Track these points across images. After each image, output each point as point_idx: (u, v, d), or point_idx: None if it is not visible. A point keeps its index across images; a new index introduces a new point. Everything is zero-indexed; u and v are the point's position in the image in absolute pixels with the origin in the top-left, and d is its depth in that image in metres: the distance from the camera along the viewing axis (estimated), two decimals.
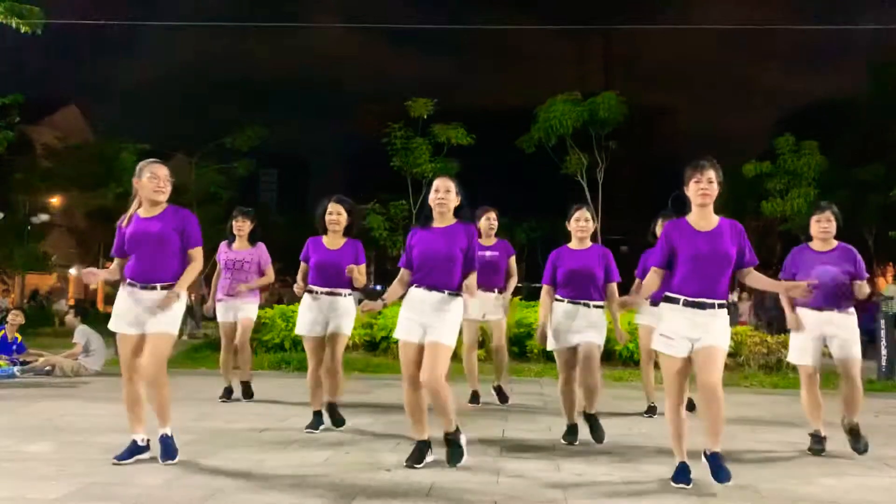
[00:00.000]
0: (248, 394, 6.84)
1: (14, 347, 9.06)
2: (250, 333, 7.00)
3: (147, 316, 4.24)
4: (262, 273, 6.90)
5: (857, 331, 4.93)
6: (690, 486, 3.88)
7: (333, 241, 5.42)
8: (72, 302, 28.36)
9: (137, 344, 4.26)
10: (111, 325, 4.34)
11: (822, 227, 4.97)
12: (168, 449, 4.25)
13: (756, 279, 4.17)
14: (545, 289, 5.24)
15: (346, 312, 5.40)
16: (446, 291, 4.23)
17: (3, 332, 9.12)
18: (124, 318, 4.30)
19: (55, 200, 28.99)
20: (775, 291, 4.37)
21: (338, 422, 5.46)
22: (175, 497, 3.57)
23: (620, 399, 7.22)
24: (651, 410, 6.40)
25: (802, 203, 19.64)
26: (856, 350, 4.88)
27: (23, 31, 11.83)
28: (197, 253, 4.38)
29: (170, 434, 4.29)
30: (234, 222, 6.85)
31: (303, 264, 5.50)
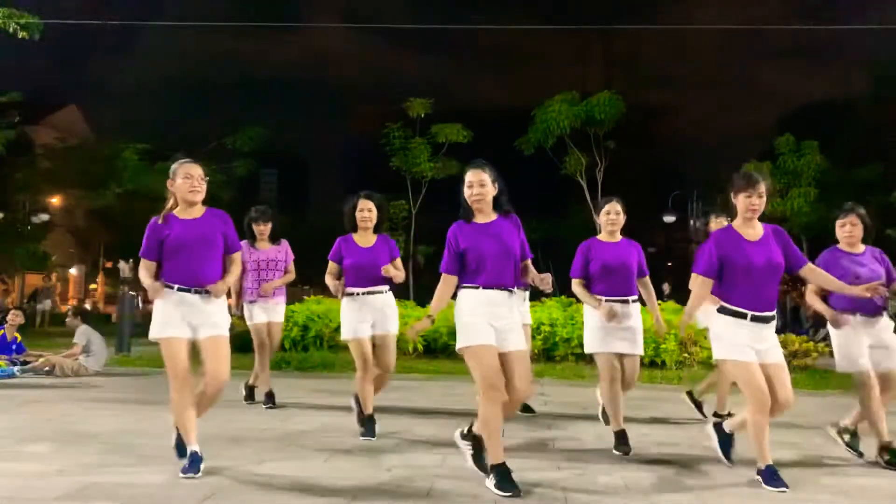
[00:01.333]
0: (272, 399, 6.69)
1: (14, 347, 9.06)
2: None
3: (201, 320, 4.08)
4: (286, 271, 6.80)
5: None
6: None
7: (364, 238, 5.31)
8: (73, 302, 28.35)
9: (189, 349, 4.10)
10: (158, 334, 4.06)
11: (847, 232, 4.81)
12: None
13: (819, 276, 4.21)
14: (577, 282, 5.06)
15: (390, 307, 5.31)
16: (516, 289, 3.94)
17: (2, 332, 9.12)
18: (175, 325, 4.05)
19: (55, 200, 28.99)
20: (842, 292, 4.30)
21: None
22: (175, 497, 3.57)
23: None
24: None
25: (802, 203, 19.66)
26: (894, 359, 4.65)
27: (20, 35, 11.87)
28: (238, 256, 4.35)
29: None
30: (253, 225, 6.71)
31: (332, 264, 5.32)
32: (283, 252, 6.76)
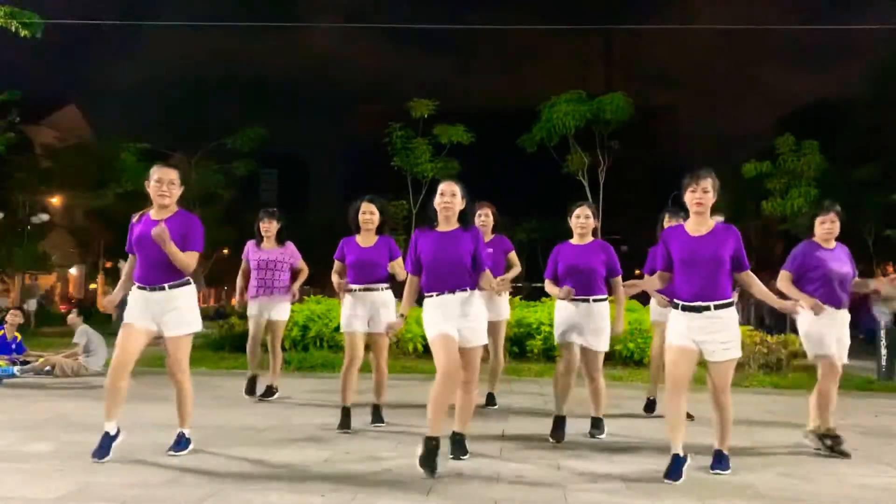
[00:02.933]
0: (269, 393, 6.93)
1: (14, 347, 9.05)
2: (282, 334, 7.25)
3: (165, 317, 4.38)
4: (293, 271, 7.07)
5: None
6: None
7: (366, 239, 5.54)
8: (65, 306, 28.34)
9: (140, 338, 4.38)
10: (124, 321, 4.42)
11: (827, 229, 5.05)
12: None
13: (750, 283, 4.33)
14: (548, 282, 5.43)
15: (385, 306, 5.48)
16: (467, 289, 4.33)
17: (2, 331, 9.11)
18: (133, 315, 4.40)
19: (55, 200, 29.01)
20: (766, 301, 4.44)
21: (378, 420, 5.58)
22: (176, 496, 3.57)
23: (619, 399, 7.21)
24: (651, 406, 6.49)
25: (802, 203, 19.65)
26: (845, 353, 5.02)
27: (22, 34, 11.88)
28: (191, 256, 4.41)
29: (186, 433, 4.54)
30: (260, 224, 6.96)
31: (337, 262, 5.64)
32: (288, 254, 6.98)
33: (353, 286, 5.48)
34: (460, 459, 4.34)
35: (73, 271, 37.71)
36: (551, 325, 10.32)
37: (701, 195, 4.20)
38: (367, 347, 5.57)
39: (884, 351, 10.12)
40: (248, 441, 4.94)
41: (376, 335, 5.47)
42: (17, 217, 27.62)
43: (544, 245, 19.93)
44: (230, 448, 4.68)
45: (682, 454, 4.10)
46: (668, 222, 6.17)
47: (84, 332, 9.01)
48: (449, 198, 4.40)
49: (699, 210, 4.23)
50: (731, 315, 4.16)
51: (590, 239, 5.34)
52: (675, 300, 4.27)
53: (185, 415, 4.52)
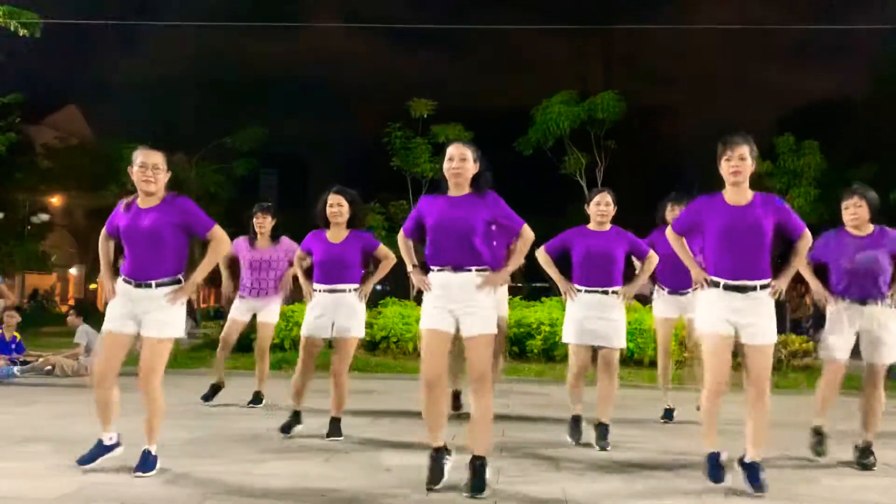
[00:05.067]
0: (258, 400, 6.63)
1: (13, 347, 9.05)
2: (271, 337, 6.82)
3: (142, 316, 3.99)
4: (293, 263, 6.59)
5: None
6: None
7: (336, 234, 5.10)
8: (71, 302, 28.34)
9: (123, 347, 4.04)
10: (104, 328, 4.07)
11: (852, 214, 4.62)
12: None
13: (804, 249, 4.00)
14: (542, 251, 5.06)
15: (351, 311, 5.05)
16: (473, 269, 3.79)
17: (1, 331, 9.11)
18: (113, 319, 4.03)
19: (55, 200, 28.99)
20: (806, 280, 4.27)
21: (336, 434, 5.09)
22: (175, 498, 3.57)
23: (624, 399, 7.20)
24: (668, 414, 6.07)
25: (803, 203, 19.64)
26: (887, 354, 4.55)
27: (21, 33, 11.87)
28: (213, 234, 4.07)
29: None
30: (254, 219, 6.57)
31: (300, 253, 5.32)
32: (282, 251, 6.56)
33: (318, 286, 5.06)
34: (476, 498, 3.60)
35: (73, 271, 37.68)
36: (551, 325, 10.41)
37: (738, 163, 3.82)
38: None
39: None
40: (246, 443, 4.93)
41: (340, 341, 5.04)
42: (17, 217, 27.63)
43: (542, 244, 19.85)
44: (229, 450, 4.67)
45: (717, 451, 3.91)
46: (670, 212, 5.94)
47: (85, 333, 9.01)
48: (458, 162, 3.84)
49: (737, 180, 3.85)
50: (769, 295, 3.86)
51: (609, 226, 5.08)
52: (714, 278, 3.89)
53: (153, 430, 4.00)
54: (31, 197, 27.90)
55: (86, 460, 4.00)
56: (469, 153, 3.88)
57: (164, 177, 4.10)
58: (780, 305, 4.70)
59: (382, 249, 5.17)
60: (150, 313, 3.98)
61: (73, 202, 29.25)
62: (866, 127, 25.65)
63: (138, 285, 3.99)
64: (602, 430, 4.94)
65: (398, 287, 19.55)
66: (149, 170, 4.04)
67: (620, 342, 4.99)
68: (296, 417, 5.18)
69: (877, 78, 25.74)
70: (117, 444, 4.10)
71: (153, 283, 3.98)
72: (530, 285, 20.76)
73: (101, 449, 4.05)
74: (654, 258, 5.18)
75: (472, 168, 3.87)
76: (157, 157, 4.09)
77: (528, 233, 3.93)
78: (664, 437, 5.46)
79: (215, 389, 6.62)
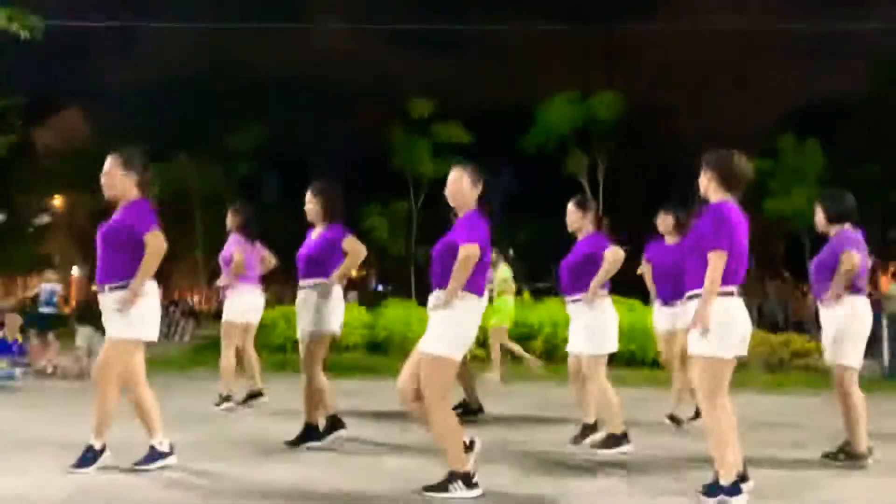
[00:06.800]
0: (254, 397, 6.65)
1: (15, 349, 9.06)
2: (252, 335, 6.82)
3: (106, 318, 4.02)
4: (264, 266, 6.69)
5: None
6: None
7: (314, 231, 4.97)
8: (73, 304, 28.33)
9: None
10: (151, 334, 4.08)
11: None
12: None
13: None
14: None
15: (303, 308, 4.77)
16: (437, 289, 3.77)
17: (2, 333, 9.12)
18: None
19: (57, 202, 29.04)
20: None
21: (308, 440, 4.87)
22: (175, 499, 3.58)
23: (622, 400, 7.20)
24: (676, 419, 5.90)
25: (804, 202, 19.64)
26: None
27: (23, 36, 11.90)
28: (147, 239, 3.93)
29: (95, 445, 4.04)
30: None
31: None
32: (233, 245, 6.39)
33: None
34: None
35: (74, 272, 37.73)
36: (552, 326, 10.38)
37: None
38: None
39: (886, 352, 10.06)
40: (247, 445, 4.93)
41: (299, 339, 4.82)
42: (19, 219, 27.67)
43: (545, 246, 19.89)
44: (230, 452, 4.68)
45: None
46: (661, 222, 5.90)
47: (86, 335, 9.02)
48: (450, 187, 3.91)
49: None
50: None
51: (581, 235, 5.06)
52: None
53: (99, 426, 4.00)
54: (32, 199, 27.93)
55: (78, 465, 3.95)
56: (459, 176, 3.91)
57: (122, 181, 4.05)
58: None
59: (349, 242, 4.79)
60: (111, 315, 3.98)
61: (74, 204, 29.28)
62: (867, 126, 25.64)
63: (101, 290, 4.03)
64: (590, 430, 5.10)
65: (400, 287, 19.57)
66: (104, 177, 4.06)
67: (590, 346, 4.92)
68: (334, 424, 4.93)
69: (877, 78, 25.72)
70: (170, 452, 4.10)
71: (106, 287, 4.00)
72: (535, 285, 20.77)
73: (154, 455, 4.06)
74: (609, 257, 4.89)
75: (465, 191, 3.89)
76: (109, 162, 4.06)
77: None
78: (664, 437, 5.45)
79: (253, 395, 6.60)
